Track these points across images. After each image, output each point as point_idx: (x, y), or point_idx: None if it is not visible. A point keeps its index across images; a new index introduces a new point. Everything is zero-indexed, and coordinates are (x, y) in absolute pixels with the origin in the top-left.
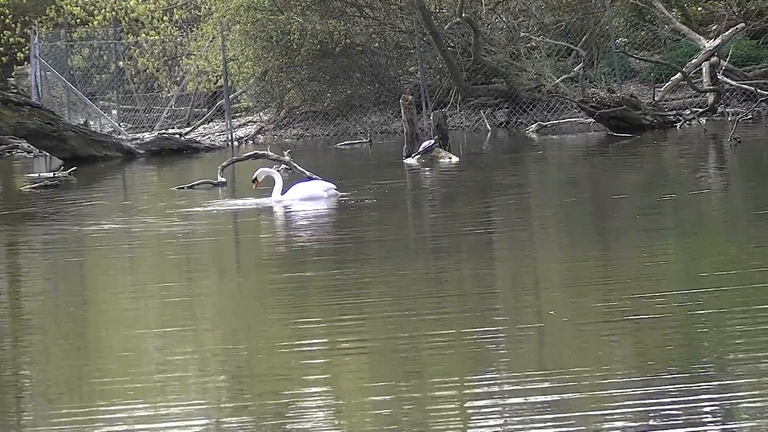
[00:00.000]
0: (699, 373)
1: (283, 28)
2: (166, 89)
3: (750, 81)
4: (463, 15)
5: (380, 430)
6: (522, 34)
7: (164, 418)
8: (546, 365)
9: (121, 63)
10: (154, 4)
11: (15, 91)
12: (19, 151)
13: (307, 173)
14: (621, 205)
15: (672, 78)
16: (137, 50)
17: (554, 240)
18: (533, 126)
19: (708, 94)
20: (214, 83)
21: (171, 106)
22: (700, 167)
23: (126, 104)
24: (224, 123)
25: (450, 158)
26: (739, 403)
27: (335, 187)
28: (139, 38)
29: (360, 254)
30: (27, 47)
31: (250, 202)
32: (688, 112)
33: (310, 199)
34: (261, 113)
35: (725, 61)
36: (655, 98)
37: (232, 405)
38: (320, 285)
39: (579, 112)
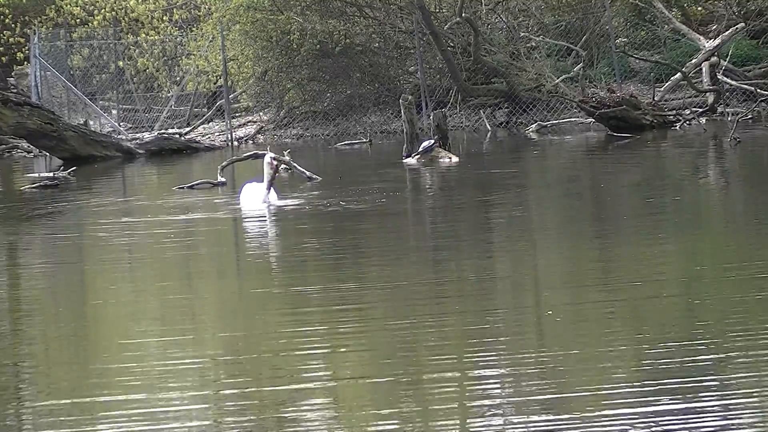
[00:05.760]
0: (699, 373)
1: (283, 28)
2: (166, 89)
3: (750, 81)
4: (463, 15)
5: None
6: (522, 34)
7: (164, 420)
8: (546, 365)
9: (120, 63)
10: (154, 4)
11: (15, 91)
12: (19, 151)
13: (307, 173)
14: (620, 206)
15: (672, 78)
16: (137, 50)
17: (555, 241)
18: (533, 126)
19: (708, 94)
20: (214, 83)
21: (171, 106)
22: (700, 167)
23: (126, 104)
24: (224, 123)
25: (450, 158)
26: (739, 402)
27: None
28: (138, 38)
29: (360, 257)
30: (27, 47)
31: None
32: (688, 112)
33: (262, 202)
34: (261, 113)
35: (725, 61)
36: (655, 98)
37: (231, 406)
38: (320, 289)
39: (579, 112)
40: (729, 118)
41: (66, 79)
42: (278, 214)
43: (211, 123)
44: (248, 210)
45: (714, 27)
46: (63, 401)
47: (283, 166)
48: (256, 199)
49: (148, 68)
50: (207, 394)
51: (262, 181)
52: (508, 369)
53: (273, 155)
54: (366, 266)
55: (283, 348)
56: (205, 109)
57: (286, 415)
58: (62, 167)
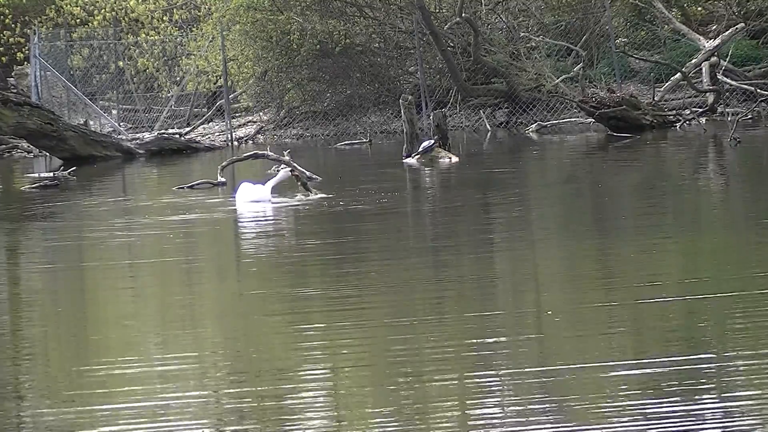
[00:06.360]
0: (699, 373)
1: (283, 28)
2: (166, 89)
3: (750, 81)
4: (463, 15)
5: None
6: (522, 34)
7: (164, 422)
8: (545, 365)
9: (121, 63)
10: (154, 4)
11: (15, 91)
12: (19, 151)
13: (307, 173)
14: (620, 206)
15: (672, 78)
16: (137, 50)
17: (554, 241)
18: (533, 126)
19: (708, 94)
20: (214, 83)
21: (171, 106)
22: (700, 167)
23: (126, 104)
24: (224, 123)
25: (450, 158)
26: (739, 403)
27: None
28: (139, 38)
29: (360, 257)
30: (27, 47)
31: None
32: (688, 112)
33: (257, 201)
34: (261, 113)
35: (725, 61)
36: (655, 98)
37: (232, 407)
38: (320, 290)
39: (579, 112)
40: (729, 118)
41: (66, 79)
42: (278, 215)
43: (211, 123)
44: (244, 209)
45: (714, 27)
46: (63, 404)
47: (282, 166)
48: (254, 198)
49: (148, 68)
50: (207, 397)
51: (261, 182)
52: (508, 369)
53: (290, 168)
54: (366, 267)
55: (283, 349)
56: (205, 109)
57: (286, 416)
58: (62, 167)
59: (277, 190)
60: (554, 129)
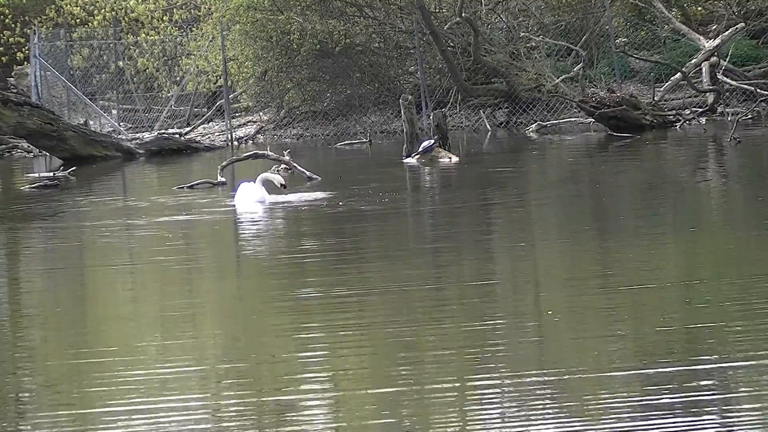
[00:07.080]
0: (699, 373)
1: (283, 28)
2: (166, 89)
3: (750, 81)
4: (463, 15)
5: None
6: (522, 34)
7: (164, 426)
8: (545, 367)
9: (120, 63)
10: (154, 4)
11: (15, 91)
12: (19, 151)
13: (307, 173)
14: (620, 206)
15: (672, 78)
16: (137, 50)
17: (554, 241)
18: (533, 126)
19: (708, 94)
20: (214, 83)
21: (171, 106)
22: (700, 167)
23: (126, 104)
24: (224, 123)
25: (450, 158)
26: (739, 404)
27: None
28: (138, 38)
29: (360, 258)
30: (27, 47)
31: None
32: (688, 112)
33: (256, 201)
34: (261, 113)
35: (725, 61)
36: (655, 98)
37: (232, 410)
38: (320, 291)
39: (579, 112)
40: (729, 118)
41: (66, 79)
42: (277, 215)
43: (211, 123)
44: (244, 210)
45: (714, 27)
46: (62, 407)
47: (283, 165)
48: (253, 198)
49: (148, 68)
50: (207, 401)
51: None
52: (508, 371)
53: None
54: (366, 267)
55: (283, 352)
56: (205, 109)
57: (287, 421)
58: (62, 167)
59: (270, 190)
60: (554, 129)
